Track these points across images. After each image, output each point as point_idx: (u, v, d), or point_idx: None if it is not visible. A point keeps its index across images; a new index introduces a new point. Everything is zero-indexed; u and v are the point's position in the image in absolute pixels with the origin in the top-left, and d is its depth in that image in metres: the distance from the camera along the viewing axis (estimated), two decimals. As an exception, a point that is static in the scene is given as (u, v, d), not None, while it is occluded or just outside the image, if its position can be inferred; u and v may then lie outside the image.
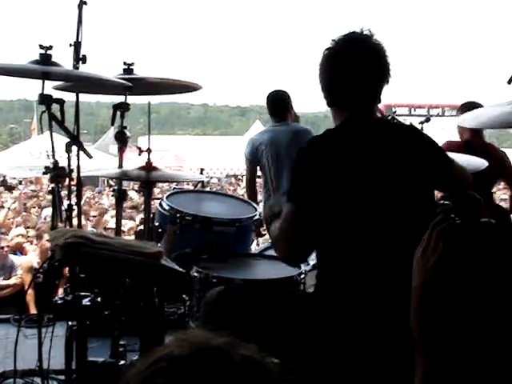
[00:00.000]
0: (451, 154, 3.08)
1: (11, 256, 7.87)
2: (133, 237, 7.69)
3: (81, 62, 3.69)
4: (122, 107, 4.21)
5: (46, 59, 3.43)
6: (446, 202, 4.00)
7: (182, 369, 1.01)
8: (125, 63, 4.22)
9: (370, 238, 2.66)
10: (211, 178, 25.04)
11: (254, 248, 5.13)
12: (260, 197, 7.21)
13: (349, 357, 2.58)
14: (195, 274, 3.66)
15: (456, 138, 5.96)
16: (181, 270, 3.06)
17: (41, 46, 3.43)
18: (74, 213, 3.66)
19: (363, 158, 2.70)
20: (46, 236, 7.89)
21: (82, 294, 3.21)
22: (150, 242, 3.51)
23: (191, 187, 5.46)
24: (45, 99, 3.45)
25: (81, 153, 3.70)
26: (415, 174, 2.75)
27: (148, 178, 4.03)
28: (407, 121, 5.06)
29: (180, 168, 25.45)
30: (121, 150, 4.35)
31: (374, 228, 2.66)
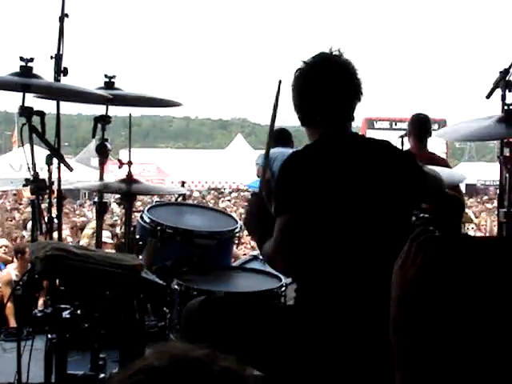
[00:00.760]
0: (430, 167, 3.14)
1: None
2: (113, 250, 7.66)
3: (62, 74, 3.68)
4: (104, 120, 4.22)
5: (26, 71, 3.41)
6: (426, 215, 4.04)
7: (161, 380, 1.01)
8: (106, 76, 4.22)
9: (349, 249, 2.68)
10: (193, 191, 25.04)
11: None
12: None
13: (329, 368, 2.59)
14: (176, 287, 3.65)
15: (432, 149, 6.07)
16: (161, 282, 3.06)
17: (21, 58, 3.42)
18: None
19: (343, 170, 2.74)
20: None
21: (62, 306, 3.20)
22: (130, 254, 3.50)
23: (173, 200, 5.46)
24: (25, 111, 3.44)
25: (62, 165, 3.70)
26: (393, 186, 2.79)
27: (129, 191, 4.02)
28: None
29: (162, 181, 25.43)
30: (102, 163, 4.35)
31: (353, 239, 2.68)
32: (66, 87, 3.66)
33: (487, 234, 13.05)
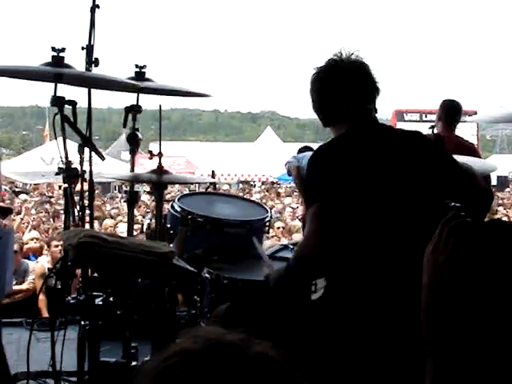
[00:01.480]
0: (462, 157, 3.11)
1: (25, 261, 7.88)
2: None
3: (93, 64, 3.70)
4: (134, 109, 4.23)
5: (58, 61, 3.43)
6: (457, 204, 4.00)
7: (196, 362, 1.02)
8: (136, 66, 4.24)
9: (380, 240, 2.67)
10: (222, 184, 25.10)
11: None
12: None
13: (359, 360, 2.58)
14: (206, 275, 3.67)
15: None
16: (192, 269, 3.07)
17: (53, 49, 3.43)
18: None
19: (371, 160, 2.74)
20: (55, 242, 7.93)
21: (95, 293, 3.23)
22: (161, 242, 3.51)
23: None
24: (57, 101, 3.47)
25: (93, 157, 3.72)
26: (422, 176, 2.78)
27: (159, 181, 4.04)
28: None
29: (192, 174, 25.45)
30: (133, 152, 4.37)
31: (383, 230, 2.67)
32: (97, 76, 3.68)
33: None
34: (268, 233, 4.71)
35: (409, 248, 2.55)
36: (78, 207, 3.59)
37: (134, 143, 4.32)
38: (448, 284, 1.34)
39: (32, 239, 8.89)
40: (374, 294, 2.63)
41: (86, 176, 3.71)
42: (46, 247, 8.68)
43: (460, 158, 3.16)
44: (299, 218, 11.82)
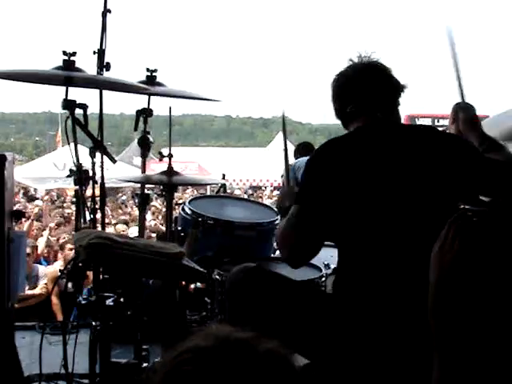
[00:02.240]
0: None
1: (36, 265, 7.92)
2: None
3: (105, 69, 3.72)
4: (145, 113, 4.26)
5: (69, 65, 3.46)
6: (467, 207, 3.97)
7: (207, 359, 1.04)
8: (148, 69, 4.27)
9: (386, 238, 2.64)
10: (235, 189, 25.08)
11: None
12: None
13: (368, 354, 2.58)
14: (217, 277, 3.68)
15: None
16: (202, 270, 3.08)
17: (64, 53, 3.46)
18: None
19: (377, 158, 2.69)
20: (69, 245, 7.96)
21: (106, 294, 3.25)
22: (171, 243, 3.53)
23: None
24: (68, 104, 3.49)
25: (105, 160, 3.74)
26: (435, 172, 2.68)
27: (169, 182, 4.06)
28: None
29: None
30: (144, 155, 4.40)
31: (390, 228, 2.64)
32: (108, 80, 3.70)
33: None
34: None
35: (413, 247, 2.55)
36: (89, 209, 3.61)
37: (144, 146, 4.34)
38: (454, 283, 1.35)
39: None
40: (381, 294, 2.62)
41: (97, 178, 3.73)
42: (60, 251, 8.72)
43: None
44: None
